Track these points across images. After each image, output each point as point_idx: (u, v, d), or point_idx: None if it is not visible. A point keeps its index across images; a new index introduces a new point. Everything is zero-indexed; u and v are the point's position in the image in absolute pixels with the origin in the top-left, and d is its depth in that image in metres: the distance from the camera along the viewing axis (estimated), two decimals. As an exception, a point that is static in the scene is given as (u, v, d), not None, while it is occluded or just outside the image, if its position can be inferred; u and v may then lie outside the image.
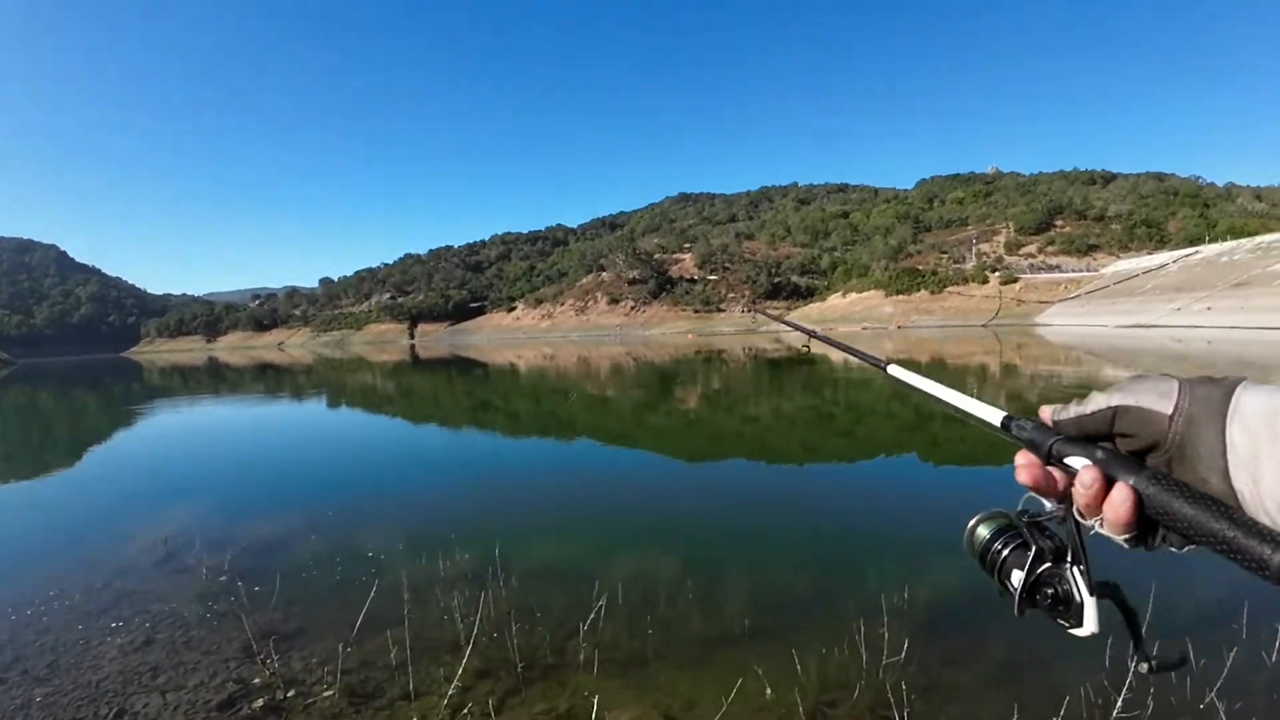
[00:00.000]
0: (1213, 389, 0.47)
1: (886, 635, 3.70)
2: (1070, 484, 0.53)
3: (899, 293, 75.09)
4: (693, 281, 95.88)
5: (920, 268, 79.67)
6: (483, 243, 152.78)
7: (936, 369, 23.37)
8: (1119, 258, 73.11)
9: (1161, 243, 74.99)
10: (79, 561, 6.07)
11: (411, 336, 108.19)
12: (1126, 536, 0.50)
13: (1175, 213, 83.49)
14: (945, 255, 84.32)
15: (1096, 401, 0.53)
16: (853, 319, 71.85)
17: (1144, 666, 0.59)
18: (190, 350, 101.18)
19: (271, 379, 36.40)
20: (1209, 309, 41.77)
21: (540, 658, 3.96)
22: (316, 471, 10.73)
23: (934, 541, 5.77)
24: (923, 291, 73.52)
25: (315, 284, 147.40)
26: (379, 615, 4.35)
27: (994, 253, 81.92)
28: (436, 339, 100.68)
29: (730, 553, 5.55)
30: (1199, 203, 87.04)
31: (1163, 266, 61.01)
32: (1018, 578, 0.57)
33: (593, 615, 4.14)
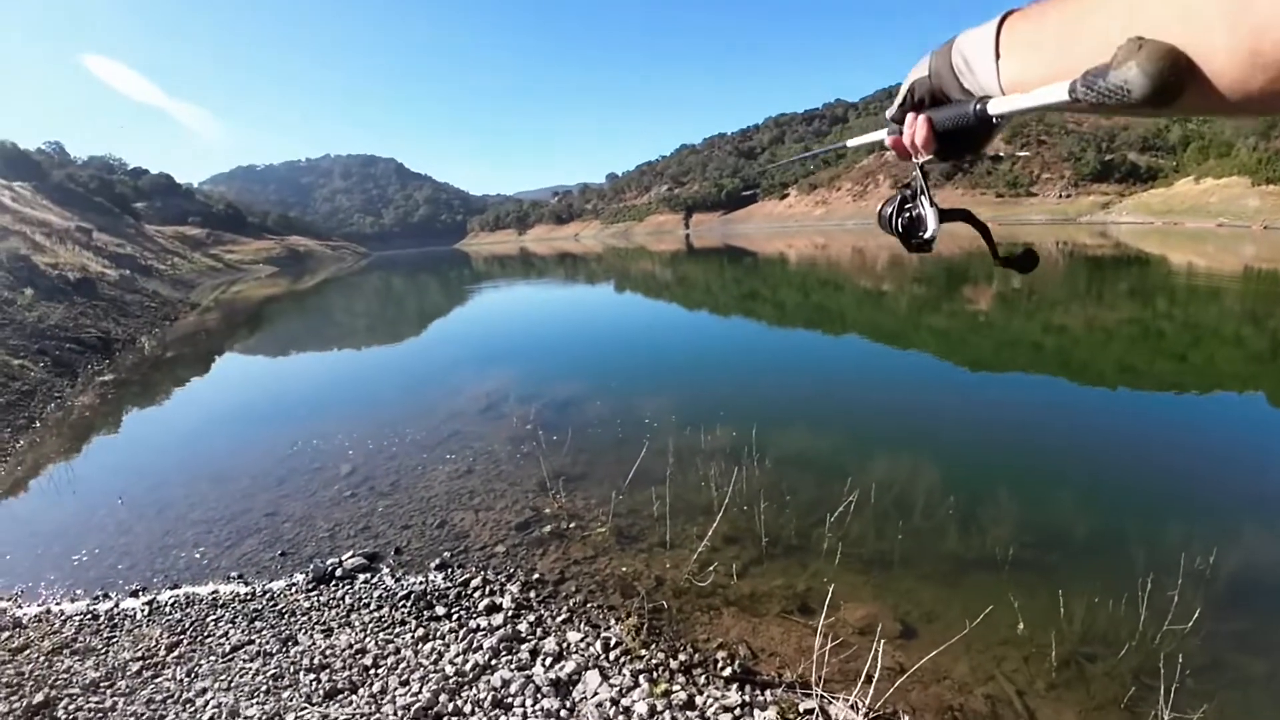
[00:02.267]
0: (945, 45, 0.64)
1: (1177, 599, 3.08)
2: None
3: (1269, 181, 53.38)
4: (997, 159, 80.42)
5: (1318, 145, 55.30)
6: (755, 127, 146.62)
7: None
8: None
9: None
10: (422, 408, 7.93)
11: (686, 226, 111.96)
12: (935, 149, 0.67)
13: None
14: (1401, 114, 57.22)
15: (903, 87, 0.70)
16: (1205, 212, 53.39)
17: (996, 264, 0.74)
18: (506, 242, 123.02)
19: (570, 266, 41.79)
20: None
21: (785, 537, 4.14)
22: (604, 347, 12.56)
23: (1265, 504, 4.48)
24: (1308, 180, 51.43)
25: (603, 179, 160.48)
26: (647, 472, 4.92)
27: None
28: (709, 228, 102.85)
29: (1003, 474, 4.98)
30: None
31: None
32: (897, 220, 0.76)
33: (841, 508, 4.13)
